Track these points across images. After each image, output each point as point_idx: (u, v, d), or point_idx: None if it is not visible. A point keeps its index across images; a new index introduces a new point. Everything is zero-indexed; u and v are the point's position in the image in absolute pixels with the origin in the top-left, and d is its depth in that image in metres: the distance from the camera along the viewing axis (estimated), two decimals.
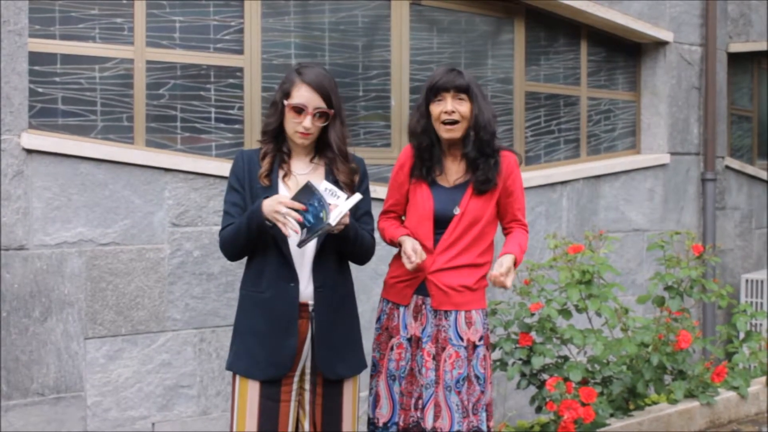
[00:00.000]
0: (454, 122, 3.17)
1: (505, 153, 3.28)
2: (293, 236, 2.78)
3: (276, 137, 2.97)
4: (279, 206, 2.73)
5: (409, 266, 3.10)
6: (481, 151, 3.19)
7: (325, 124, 2.93)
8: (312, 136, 2.93)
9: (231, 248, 2.95)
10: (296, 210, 2.72)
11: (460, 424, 3.14)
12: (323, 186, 2.81)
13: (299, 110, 2.88)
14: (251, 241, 2.87)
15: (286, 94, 2.91)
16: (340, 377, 2.98)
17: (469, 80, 3.18)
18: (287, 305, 2.88)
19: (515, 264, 3.15)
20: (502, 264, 3.09)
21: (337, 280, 2.98)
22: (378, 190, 4.96)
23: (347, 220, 2.79)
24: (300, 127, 2.89)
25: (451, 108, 3.16)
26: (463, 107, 3.17)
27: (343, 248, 2.95)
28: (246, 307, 2.97)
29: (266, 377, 2.88)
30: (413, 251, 3.10)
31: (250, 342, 2.92)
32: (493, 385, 3.30)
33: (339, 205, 2.75)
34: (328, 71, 3.00)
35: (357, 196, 2.80)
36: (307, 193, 2.74)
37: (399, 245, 3.23)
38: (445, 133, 3.19)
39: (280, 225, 2.74)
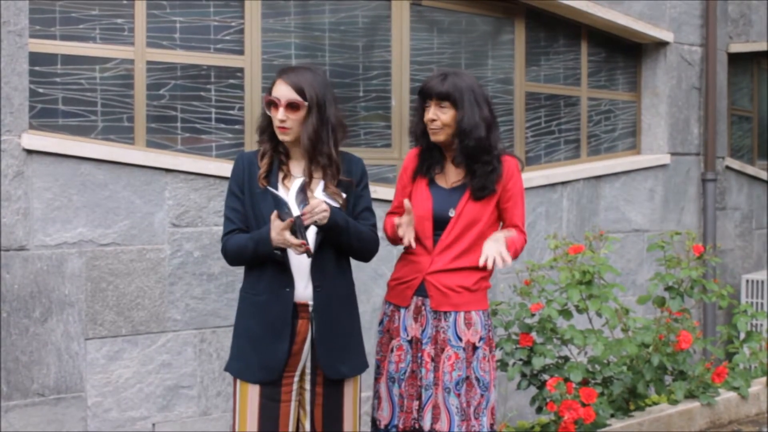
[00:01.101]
0: (437, 129, 3.20)
1: (506, 158, 3.26)
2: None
3: (272, 138, 2.99)
4: (284, 234, 2.77)
5: (405, 240, 3.13)
6: (471, 157, 3.18)
7: (299, 117, 2.91)
8: (291, 131, 2.92)
9: (235, 261, 3.00)
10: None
11: (459, 427, 3.13)
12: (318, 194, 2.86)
13: (273, 104, 2.92)
14: (256, 261, 2.92)
15: (269, 93, 2.96)
16: (342, 377, 2.98)
17: (451, 87, 3.14)
18: (281, 309, 2.89)
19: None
20: (498, 240, 3.12)
21: (336, 279, 2.99)
22: (379, 191, 4.96)
23: (325, 214, 2.80)
24: (276, 121, 2.92)
25: (432, 116, 3.18)
26: (445, 115, 3.17)
27: (340, 240, 2.93)
28: (243, 309, 2.99)
29: (257, 380, 2.90)
30: (399, 225, 3.12)
31: (244, 345, 2.94)
32: (496, 387, 3.28)
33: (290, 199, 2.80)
34: (316, 70, 3.00)
35: (298, 181, 2.86)
36: (278, 203, 2.78)
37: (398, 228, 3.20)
38: (431, 136, 3.21)
39: (292, 249, 2.81)
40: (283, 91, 2.91)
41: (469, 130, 3.14)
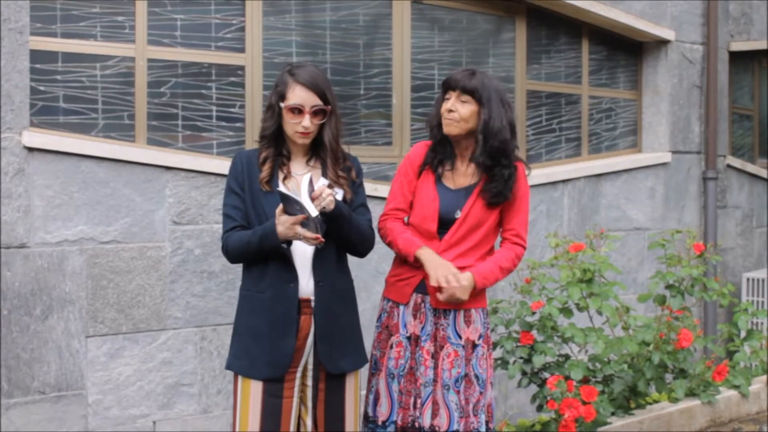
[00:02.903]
0: (452, 120, 3.17)
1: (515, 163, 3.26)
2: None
3: (275, 140, 2.98)
4: (295, 228, 2.75)
5: (442, 297, 3.08)
6: (495, 159, 3.15)
7: (323, 121, 2.94)
8: (312, 134, 2.94)
9: (237, 258, 2.98)
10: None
11: (458, 423, 3.13)
12: (321, 182, 2.84)
13: (297, 110, 2.89)
14: (260, 256, 2.90)
15: (282, 97, 2.92)
16: (343, 371, 2.99)
17: (478, 84, 3.13)
18: (286, 305, 2.89)
19: (475, 286, 3.11)
20: (459, 279, 3.05)
21: (336, 275, 3.00)
22: (379, 189, 4.97)
23: (331, 198, 2.78)
24: (300, 127, 2.90)
25: (450, 107, 3.16)
26: (465, 109, 3.15)
27: (341, 232, 2.93)
28: (245, 307, 2.98)
29: (264, 377, 2.90)
30: (447, 281, 3.05)
31: (249, 342, 2.93)
32: (493, 384, 3.29)
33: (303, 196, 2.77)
34: (319, 68, 3.01)
35: (306, 177, 2.83)
36: (289, 202, 2.74)
37: (415, 259, 3.16)
38: (444, 126, 3.20)
39: (304, 241, 2.78)
40: (305, 96, 2.89)
41: (497, 131, 3.12)
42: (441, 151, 3.25)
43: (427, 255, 3.14)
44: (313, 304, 2.92)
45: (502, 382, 5.62)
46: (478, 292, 3.20)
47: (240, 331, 2.98)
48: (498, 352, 4.31)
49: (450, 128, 3.18)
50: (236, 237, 2.92)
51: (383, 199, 4.79)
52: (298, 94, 2.88)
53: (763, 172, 8.17)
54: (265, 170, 2.94)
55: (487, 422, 3.23)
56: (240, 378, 2.95)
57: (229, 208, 2.96)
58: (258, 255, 2.90)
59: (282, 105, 2.91)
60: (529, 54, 6.19)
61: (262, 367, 2.90)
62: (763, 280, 7.47)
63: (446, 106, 3.17)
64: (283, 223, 2.77)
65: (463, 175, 3.25)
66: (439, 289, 3.09)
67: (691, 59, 7.02)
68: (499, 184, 3.17)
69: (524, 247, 3.29)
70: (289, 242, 2.85)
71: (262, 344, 2.90)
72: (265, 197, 2.91)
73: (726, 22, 7.44)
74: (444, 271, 3.06)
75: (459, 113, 3.15)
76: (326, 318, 2.94)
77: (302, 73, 2.91)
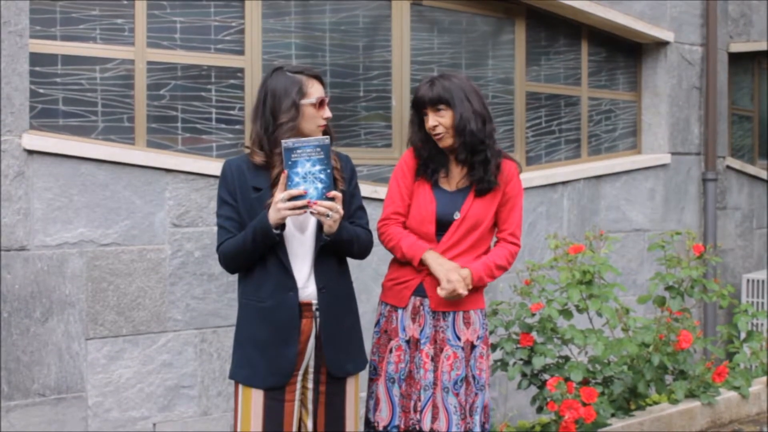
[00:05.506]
0: (441, 133, 3.18)
1: (506, 161, 3.27)
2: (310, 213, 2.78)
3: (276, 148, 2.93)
4: (283, 209, 2.72)
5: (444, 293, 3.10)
6: (472, 149, 3.17)
7: None
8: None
9: (234, 263, 2.94)
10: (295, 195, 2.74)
11: (458, 425, 3.13)
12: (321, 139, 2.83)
13: (321, 103, 2.92)
14: (256, 253, 2.86)
15: (303, 95, 2.90)
16: (347, 374, 2.99)
17: (440, 90, 3.14)
18: (288, 313, 2.88)
19: (471, 282, 3.14)
20: (465, 282, 3.11)
21: (338, 280, 2.99)
22: (379, 191, 4.97)
23: (339, 214, 2.77)
24: (321, 120, 2.93)
25: (432, 123, 3.17)
26: (445, 118, 3.16)
27: (341, 249, 2.95)
28: (246, 316, 2.95)
29: (267, 386, 2.88)
30: (458, 282, 3.08)
31: (251, 351, 2.91)
32: (491, 386, 3.29)
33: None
34: None
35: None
36: (287, 158, 2.70)
37: (420, 263, 3.18)
38: (438, 143, 3.21)
39: (302, 213, 2.74)
40: (320, 89, 2.95)
41: (464, 126, 3.14)
42: (433, 163, 3.25)
43: (433, 258, 3.15)
44: (314, 308, 2.91)
45: (502, 384, 5.62)
46: (475, 293, 3.21)
47: (242, 340, 2.96)
48: (498, 354, 4.31)
49: (444, 142, 3.19)
50: (230, 241, 2.90)
51: (383, 201, 4.79)
52: (318, 87, 2.94)
53: (762, 174, 8.18)
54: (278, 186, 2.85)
55: (483, 423, 3.23)
56: (241, 384, 2.94)
57: (223, 219, 2.93)
58: (252, 253, 2.85)
59: (308, 102, 2.89)
60: (528, 55, 6.19)
61: (265, 376, 2.88)
62: (762, 282, 7.47)
63: (429, 124, 3.19)
64: (275, 206, 2.71)
65: (458, 176, 3.25)
66: (438, 283, 3.12)
67: (691, 60, 7.03)
68: (478, 171, 3.19)
69: (519, 246, 3.30)
70: (282, 227, 2.81)
71: (264, 353, 2.88)
72: (260, 205, 2.87)
73: (725, 23, 7.44)
74: (455, 276, 3.09)
75: (442, 125, 3.16)
76: (330, 323, 2.93)
77: (308, 69, 2.97)
